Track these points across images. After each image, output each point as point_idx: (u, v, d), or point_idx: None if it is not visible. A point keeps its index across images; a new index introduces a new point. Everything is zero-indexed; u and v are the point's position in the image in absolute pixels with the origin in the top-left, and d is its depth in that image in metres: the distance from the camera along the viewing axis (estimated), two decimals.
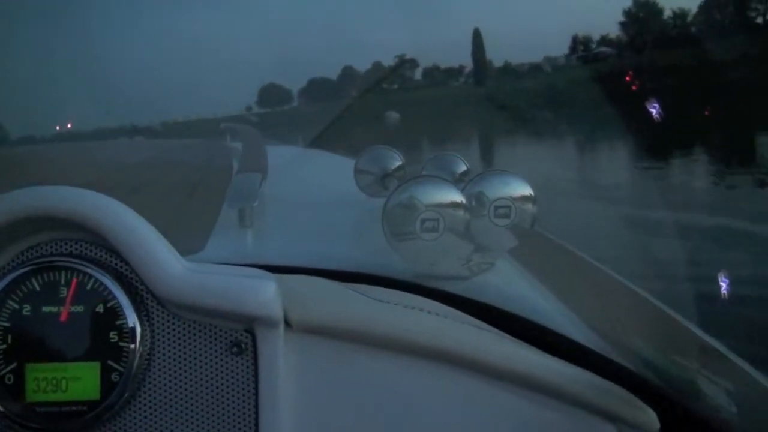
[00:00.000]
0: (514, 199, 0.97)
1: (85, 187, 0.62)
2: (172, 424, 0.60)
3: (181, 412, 0.61)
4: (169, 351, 0.61)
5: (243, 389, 0.61)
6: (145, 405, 0.60)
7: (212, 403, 0.61)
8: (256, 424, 0.61)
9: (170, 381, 0.61)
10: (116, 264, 0.61)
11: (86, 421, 0.59)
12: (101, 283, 0.60)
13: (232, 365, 0.62)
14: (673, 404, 0.66)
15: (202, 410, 0.61)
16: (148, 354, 0.61)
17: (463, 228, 0.92)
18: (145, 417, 0.60)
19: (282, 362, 0.61)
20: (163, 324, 0.61)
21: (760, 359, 0.74)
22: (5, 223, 0.58)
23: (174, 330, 0.61)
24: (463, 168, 1.26)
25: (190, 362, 0.61)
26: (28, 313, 0.59)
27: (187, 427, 0.61)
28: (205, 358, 0.61)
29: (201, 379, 0.61)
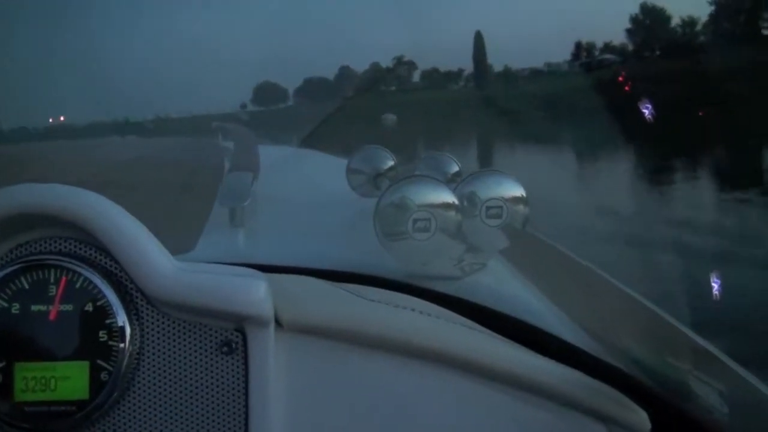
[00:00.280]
0: (506, 200, 0.97)
1: (77, 185, 0.61)
2: (161, 424, 0.60)
3: (171, 411, 0.60)
4: (159, 350, 0.61)
5: (233, 389, 0.61)
6: (134, 405, 0.60)
7: (202, 403, 0.61)
8: (246, 425, 0.60)
9: (160, 381, 0.60)
10: (106, 263, 0.60)
11: (75, 421, 0.58)
12: (91, 282, 0.59)
13: (222, 365, 0.61)
14: (665, 405, 0.66)
15: (192, 410, 0.60)
16: (138, 353, 0.60)
17: (454, 228, 0.92)
18: (135, 417, 0.60)
19: (272, 362, 0.61)
20: (152, 323, 0.61)
21: (751, 360, 0.74)
22: None
23: (164, 329, 0.61)
24: (455, 168, 1.26)
25: (179, 362, 0.61)
26: (17, 312, 0.58)
27: (177, 427, 0.60)
28: (195, 357, 0.61)
29: (191, 379, 0.61)
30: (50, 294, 0.58)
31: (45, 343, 0.58)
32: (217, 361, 0.61)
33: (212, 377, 0.61)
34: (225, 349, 0.61)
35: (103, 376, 0.58)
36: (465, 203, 0.96)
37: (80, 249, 0.61)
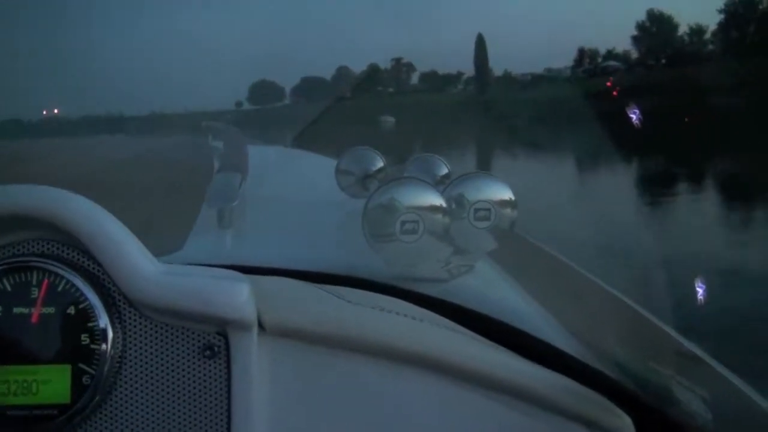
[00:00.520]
0: (494, 202, 0.97)
1: (67, 185, 0.61)
2: (143, 428, 0.59)
3: (153, 415, 0.60)
4: (141, 354, 0.60)
5: (215, 393, 0.61)
6: (116, 408, 0.59)
7: (184, 407, 0.60)
8: (229, 429, 0.60)
9: (142, 384, 0.60)
10: (88, 265, 0.60)
11: (57, 425, 0.58)
12: (73, 285, 0.59)
13: (204, 369, 0.61)
14: (649, 410, 0.66)
15: (174, 414, 0.60)
16: (120, 357, 0.60)
17: (442, 230, 0.91)
18: (117, 420, 0.59)
19: (255, 366, 0.61)
20: (134, 326, 0.60)
21: (736, 364, 0.74)
22: None
23: (146, 332, 0.60)
24: (444, 170, 1.26)
25: (161, 365, 0.60)
26: None
27: (159, 431, 0.60)
28: (177, 361, 0.60)
29: (173, 383, 0.60)
30: (32, 296, 0.58)
31: (27, 345, 0.58)
32: (199, 365, 0.61)
33: (194, 381, 0.60)
34: (207, 352, 0.61)
35: (85, 379, 0.58)
36: (453, 205, 0.96)
37: (62, 251, 0.60)
